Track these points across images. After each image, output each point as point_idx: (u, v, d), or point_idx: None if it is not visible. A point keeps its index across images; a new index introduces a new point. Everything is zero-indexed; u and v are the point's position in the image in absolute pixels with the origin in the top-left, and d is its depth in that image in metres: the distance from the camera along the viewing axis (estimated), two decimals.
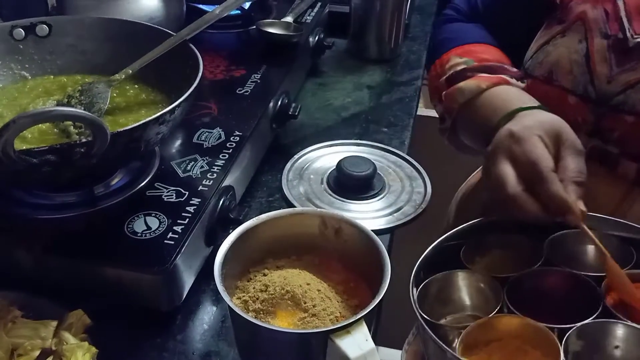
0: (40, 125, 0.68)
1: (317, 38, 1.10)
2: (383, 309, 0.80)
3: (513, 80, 0.68)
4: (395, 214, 0.82)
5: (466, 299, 0.56)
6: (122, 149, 0.61)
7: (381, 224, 0.80)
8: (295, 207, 0.79)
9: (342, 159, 0.84)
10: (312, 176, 0.86)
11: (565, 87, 0.64)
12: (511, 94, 0.66)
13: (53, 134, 0.68)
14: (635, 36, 0.60)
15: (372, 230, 0.77)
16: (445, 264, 0.57)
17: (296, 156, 0.89)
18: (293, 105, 0.93)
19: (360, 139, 0.93)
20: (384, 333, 0.86)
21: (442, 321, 0.54)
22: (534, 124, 0.58)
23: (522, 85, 0.68)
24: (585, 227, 0.55)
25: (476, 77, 0.69)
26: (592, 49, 0.62)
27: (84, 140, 0.56)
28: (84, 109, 0.70)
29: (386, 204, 0.84)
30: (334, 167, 0.84)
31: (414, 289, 0.53)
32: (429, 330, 0.48)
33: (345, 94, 1.07)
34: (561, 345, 0.46)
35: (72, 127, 0.67)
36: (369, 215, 0.82)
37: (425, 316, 0.51)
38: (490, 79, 0.67)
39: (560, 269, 0.53)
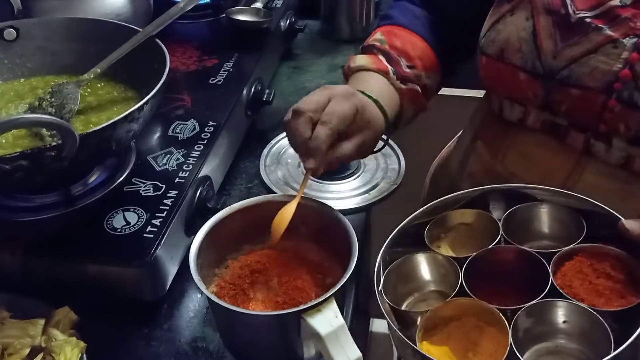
0: (13, 130, 0.69)
1: (288, 22, 1.10)
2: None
3: (392, 76, 0.74)
4: (371, 192, 0.83)
5: (429, 277, 0.59)
6: (93, 149, 0.62)
7: (357, 202, 0.82)
8: (274, 192, 0.81)
9: None
10: (289, 160, 0.87)
11: (515, 64, 0.66)
12: (372, 82, 0.73)
13: (27, 137, 0.70)
14: (577, 12, 0.62)
15: (348, 209, 0.79)
16: (413, 242, 0.59)
17: (273, 141, 0.91)
18: (267, 91, 0.94)
19: None
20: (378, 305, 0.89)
21: (406, 305, 0.58)
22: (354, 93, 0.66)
23: (398, 84, 0.74)
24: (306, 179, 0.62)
25: (373, 57, 0.75)
26: (539, 26, 0.64)
27: (53, 144, 0.57)
28: (55, 111, 0.72)
29: (362, 182, 0.85)
30: None
31: (380, 278, 0.55)
32: (389, 320, 0.51)
33: (320, 75, 1.08)
34: (511, 323, 0.50)
35: (44, 130, 0.69)
36: (346, 194, 0.84)
37: (390, 303, 0.54)
38: (379, 65, 0.74)
39: (514, 247, 0.56)
